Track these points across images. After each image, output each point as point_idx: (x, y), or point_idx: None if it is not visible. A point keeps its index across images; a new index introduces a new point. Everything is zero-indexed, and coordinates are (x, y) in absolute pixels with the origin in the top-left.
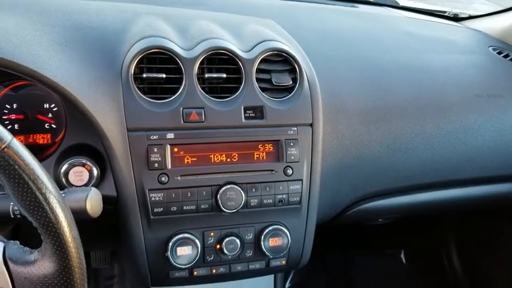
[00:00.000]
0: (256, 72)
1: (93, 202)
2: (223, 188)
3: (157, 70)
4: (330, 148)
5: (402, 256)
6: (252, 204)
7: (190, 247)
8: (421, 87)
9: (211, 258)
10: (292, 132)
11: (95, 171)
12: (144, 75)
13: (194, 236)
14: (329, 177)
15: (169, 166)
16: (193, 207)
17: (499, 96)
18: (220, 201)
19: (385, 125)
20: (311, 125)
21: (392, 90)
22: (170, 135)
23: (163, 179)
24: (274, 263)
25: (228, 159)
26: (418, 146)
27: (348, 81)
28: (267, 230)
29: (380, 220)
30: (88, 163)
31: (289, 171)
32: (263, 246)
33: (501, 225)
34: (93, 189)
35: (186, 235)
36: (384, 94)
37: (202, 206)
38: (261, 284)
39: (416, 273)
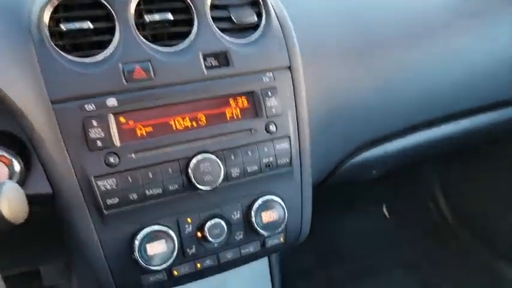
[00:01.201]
0: (210, 9)
1: (11, 202)
2: (195, 160)
3: (80, 19)
4: (313, 96)
5: (385, 211)
6: (233, 175)
7: (163, 242)
8: (403, 15)
9: (193, 250)
10: (267, 79)
11: (16, 165)
12: (63, 27)
13: (166, 226)
14: (317, 131)
15: (117, 142)
16: (159, 190)
17: (484, 14)
18: (193, 178)
19: (369, 62)
20: (289, 68)
21: (373, 23)
22: (111, 102)
23: (112, 160)
24: (270, 242)
25: (194, 124)
26: (407, 82)
27: (324, 18)
28: (256, 204)
29: (374, 172)
30: (5, 155)
31: (272, 128)
32: (255, 224)
33: (486, 162)
34: (8, 183)
35: (155, 227)
36: (365, 29)
37: (171, 188)
38: (256, 272)
39: (402, 226)
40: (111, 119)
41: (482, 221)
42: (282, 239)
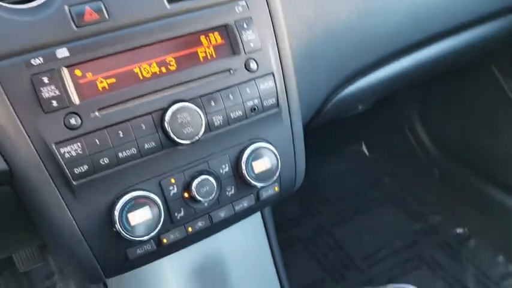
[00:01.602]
0: None
1: None
2: (170, 112)
3: None
4: (291, 27)
5: (364, 149)
6: (216, 124)
7: (147, 208)
8: None
9: (182, 213)
10: (240, 8)
11: None
12: None
13: (148, 191)
14: (300, 66)
15: (76, 100)
16: (133, 151)
17: None
18: (171, 132)
19: None
20: None
21: None
22: (62, 52)
23: (72, 121)
24: (265, 194)
25: (163, 69)
26: (391, 2)
27: None
28: (246, 154)
29: (360, 107)
30: None
31: (253, 66)
32: (247, 176)
33: (466, 87)
34: None
35: (135, 194)
36: None
37: (147, 146)
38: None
39: (383, 161)
40: (65, 73)
41: (463, 145)
42: (276, 189)
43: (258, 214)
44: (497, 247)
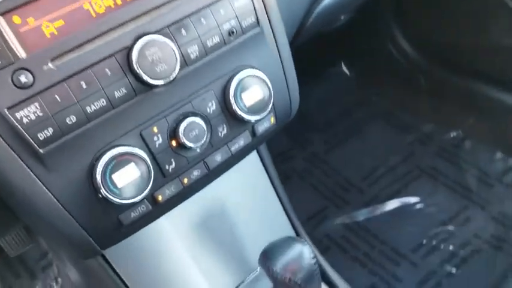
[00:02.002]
0: None
1: None
2: (137, 49)
3: None
4: None
5: (344, 69)
6: (192, 56)
7: (132, 165)
8: None
9: (173, 165)
10: None
11: None
12: None
13: (129, 145)
14: None
15: (21, 53)
16: (102, 102)
17: None
18: (142, 72)
19: None
20: None
21: None
22: None
23: (23, 78)
24: (261, 128)
25: (118, 0)
26: None
27: None
28: (232, 86)
29: (342, 18)
30: None
31: None
32: (238, 111)
33: None
34: None
35: (116, 151)
36: None
37: (118, 94)
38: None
39: (365, 79)
40: (1, 22)
41: (446, 47)
42: (273, 120)
43: (254, 152)
44: (493, 143)
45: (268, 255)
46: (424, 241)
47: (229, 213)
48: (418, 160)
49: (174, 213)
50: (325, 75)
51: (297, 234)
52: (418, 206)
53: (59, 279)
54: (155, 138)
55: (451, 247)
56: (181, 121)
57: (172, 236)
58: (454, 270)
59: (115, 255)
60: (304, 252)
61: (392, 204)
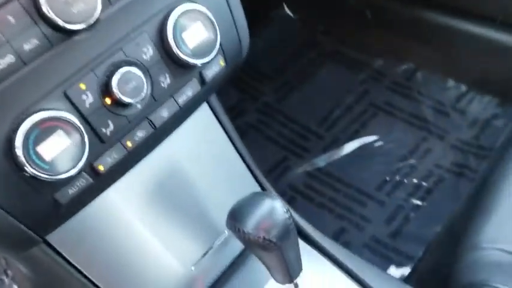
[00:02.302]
0: None
1: None
2: None
3: None
4: None
5: (287, 11)
6: None
7: (60, 133)
8: None
9: (111, 127)
10: None
11: None
12: None
13: (53, 109)
14: None
15: None
16: (11, 58)
17: None
18: (54, 17)
19: None
20: None
21: None
22: None
23: None
24: (210, 72)
25: None
26: None
27: None
28: (169, 25)
29: None
30: None
31: None
32: (180, 54)
33: None
34: None
35: (37, 117)
36: None
37: (28, 47)
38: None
39: (310, 20)
40: None
41: None
42: (222, 63)
43: (205, 106)
44: (444, 72)
45: (236, 216)
46: (388, 178)
47: (186, 176)
48: (373, 98)
49: (123, 183)
50: (268, 20)
51: (263, 189)
52: (378, 144)
53: (9, 272)
54: (84, 96)
55: (414, 180)
56: (113, 73)
57: (124, 210)
58: (420, 203)
59: (61, 239)
60: (275, 207)
61: (352, 146)
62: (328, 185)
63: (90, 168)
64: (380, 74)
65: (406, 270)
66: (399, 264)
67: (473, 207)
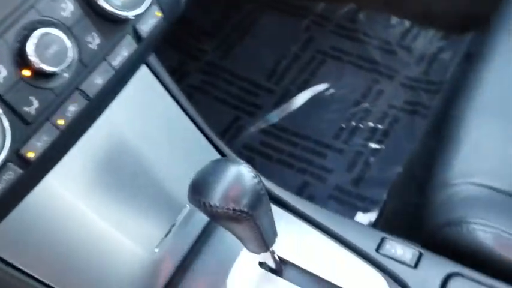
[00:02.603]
0: None
1: None
2: None
3: None
4: None
5: None
6: None
7: None
8: None
9: (35, 104)
10: None
11: None
12: None
13: None
14: None
15: None
16: None
17: None
18: None
19: None
20: None
21: None
22: None
23: None
24: (145, 27)
25: None
26: None
27: None
28: None
29: None
30: None
31: None
32: (107, 6)
33: None
34: None
35: None
36: None
37: None
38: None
39: None
40: None
41: None
42: (158, 13)
43: (144, 68)
44: (387, 9)
45: (198, 189)
46: (344, 125)
47: (134, 150)
48: (318, 44)
49: (61, 167)
50: None
51: (222, 154)
52: (330, 92)
53: None
54: None
55: (370, 124)
56: (27, 37)
57: (67, 197)
58: (378, 146)
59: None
60: (242, 173)
61: (304, 97)
62: (284, 140)
63: (17, 157)
64: (323, 18)
65: (372, 216)
66: (365, 210)
67: (435, 144)
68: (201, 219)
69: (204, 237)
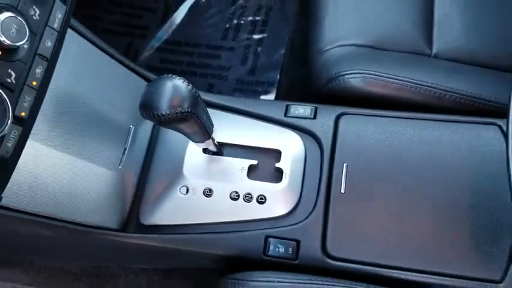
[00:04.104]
0: None
1: None
2: None
3: None
4: None
5: None
6: None
7: None
8: None
9: (13, 74)
10: None
11: None
12: None
13: None
14: None
15: None
16: None
17: None
18: None
19: None
20: None
21: None
22: None
23: None
24: None
25: None
26: None
27: None
28: None
29: None
30: None
31: None
32: None
33: None
34: None
35: None
36: None
37: None
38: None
39: None
40: None
41: None
42: None
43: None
44: None
45: (148, 106)
46: (227, 25)
47: (81, 93)
48: None
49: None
50: None
51: (142, 77)
52: None
53: None
54: None
55: (249, 18)
56: None
57: (43, 144)
58: (261, 35)
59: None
60: (178, 84)
61: (184, 8)
62: (180, 52)
63: (14, 118)
64: None
65: (273, 95)
66: (266, 92)
67: (305, 21)
68: (145, 132)
69: (153, 144)
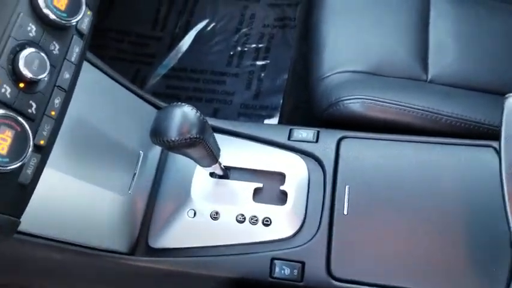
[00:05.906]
0: None
1: None
2: None
3: None
4: None
5: None
6: None
7: (3, 128)
8: None
9: (34, 105)
10: None
11: None
12: None
13: None
14: None
15: None
16: None
17: None
18: None
19: None
20: None
21: None
22: None
23: None
24: (84, 24)
25: None
26: None
27: None
28: None
29: None
30: None
31: None
32: (57, 19)
33: None
34: None
35: None
36: None
37: None
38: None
39: None
40: None
41: None
42: (89, 12)
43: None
44: None
45: (158, 132)
46: (232, 52)
47: (93, 122)
48: None
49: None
50: None
51: (152, 104)
52: (211, 26)
53: None
54: (2, 90)
55: (252, 45)
56: (15, 59)
57: (54, 170)
58: (264, 62)
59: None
60: (186, 111)
61: (190, 36)
62: (186, 79)
63: (34, 146)
64: None
65: (276, 119)
66: (270, 116)
67: (307, 48)
68: (154, 157)
69: (161, 169)
